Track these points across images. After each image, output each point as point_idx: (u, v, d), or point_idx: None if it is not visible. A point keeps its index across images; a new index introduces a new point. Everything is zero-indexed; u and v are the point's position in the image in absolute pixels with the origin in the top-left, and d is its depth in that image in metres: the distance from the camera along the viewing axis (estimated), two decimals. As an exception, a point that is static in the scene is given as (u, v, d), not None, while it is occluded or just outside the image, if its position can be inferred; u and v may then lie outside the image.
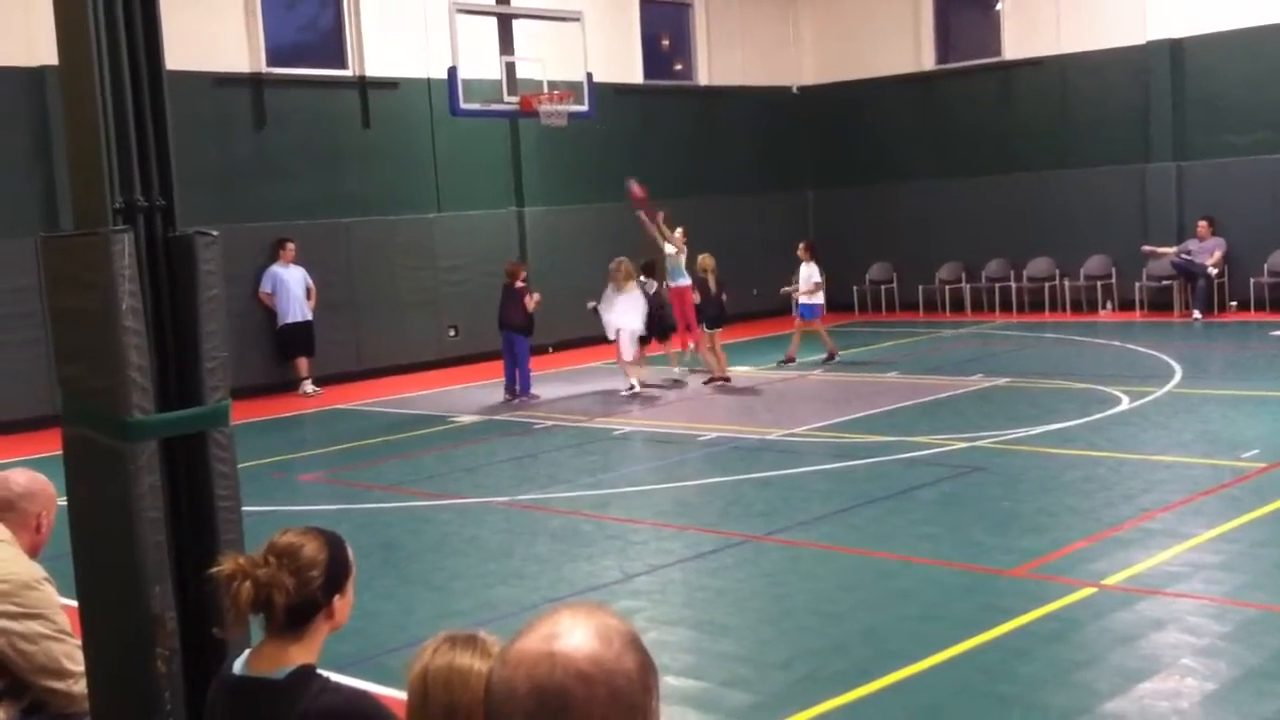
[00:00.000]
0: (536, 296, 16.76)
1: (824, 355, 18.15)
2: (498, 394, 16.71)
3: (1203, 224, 21.05)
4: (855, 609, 7.74)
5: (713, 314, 16.73)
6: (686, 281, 17.43)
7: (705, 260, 16.86)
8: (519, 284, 16.60)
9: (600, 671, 1.55)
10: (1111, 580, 7.82)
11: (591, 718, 1.55)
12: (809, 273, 18.16)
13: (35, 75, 16.07)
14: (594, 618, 1.63)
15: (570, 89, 18.18)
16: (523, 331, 16.58)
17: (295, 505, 11.13)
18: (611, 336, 16.54)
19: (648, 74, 23.71)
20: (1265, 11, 20.68)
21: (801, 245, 18.48)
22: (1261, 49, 20.75)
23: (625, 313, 16.23)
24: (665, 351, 17.84)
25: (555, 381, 17.64)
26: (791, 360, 17.90)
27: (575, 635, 1.58)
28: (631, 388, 16.36)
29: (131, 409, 3.85)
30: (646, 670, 1.61)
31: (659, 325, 17.05)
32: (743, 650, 7.12)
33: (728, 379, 16.63)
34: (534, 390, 16.53)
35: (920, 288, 24.10)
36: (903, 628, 7.33)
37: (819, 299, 18.25)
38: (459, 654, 2.89)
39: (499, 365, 16.94)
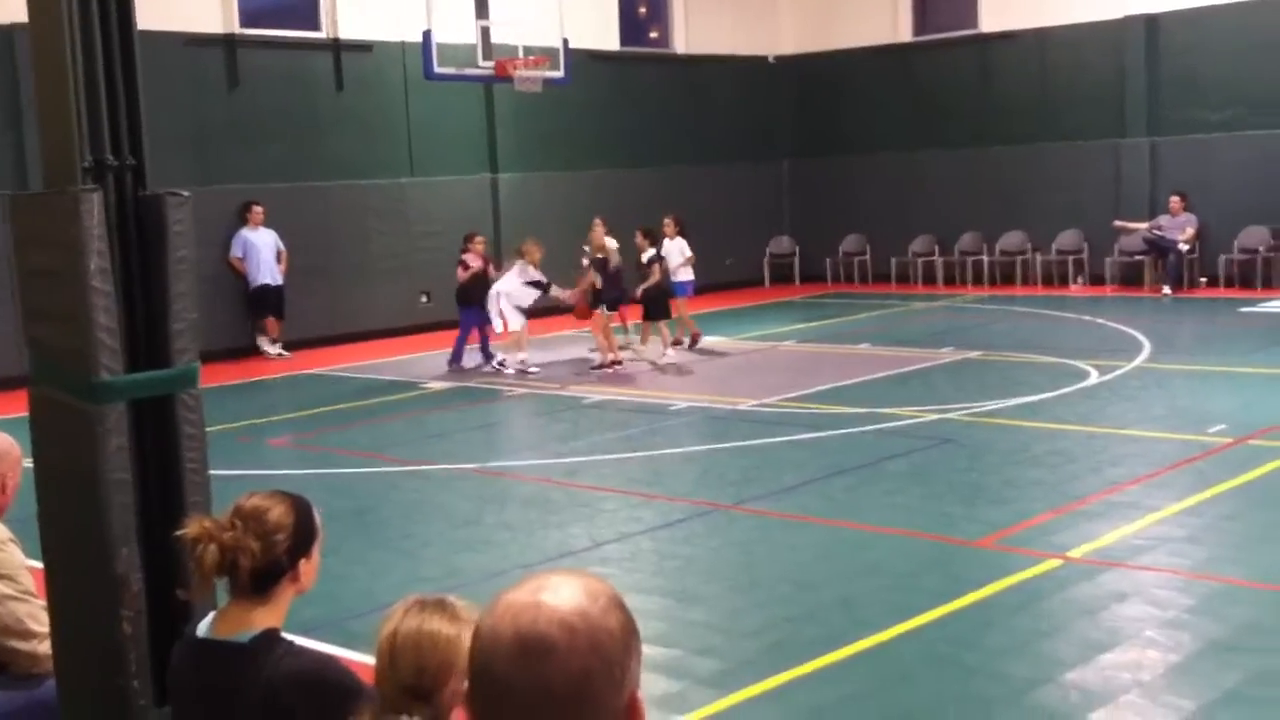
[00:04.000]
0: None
1: (687, 340, 17.45)
2: (470, 361, 16.65)
3: (1175, 200, 21.15)
4: (826, 578, 7.78)
5: (613, 296, 16.21)
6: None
7: (600, 239, 16.32)
8: (463, 254, 16.59)
9: (583, 624, 1.60)
10: (1077, 552, 7.88)
11: (571, 665, 1.59)
12: (679, 247, 17.51)
13: (4, 33, 15.89)
14: (583, 578, 1.68)
15: (546, 55, 18.08)
16: (458, 303, 16.64)
17: (263, 469, 11.10)
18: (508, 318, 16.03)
19: (624, 41, 23.60)
20: (1240, -12, 20.74)
21: (670, 219, 17.70)
22: (1236, 25, 20.80)
23: (509, 281, 16.03)
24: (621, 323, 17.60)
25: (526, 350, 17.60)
26: (698, 338, 17.45)
27: (563, 590, 1.64)
28: (503, 364, 16.03)
29: (100, 370, 3.83)
30: (629, 632, 1.66)
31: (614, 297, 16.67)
32: (713, 618, 7.15)
33: (619, 363, 16.03)
34: (464, 363, 16.55)
35: (893, 260, 24.13)
36: (872, 597, 7.37)
37: (688, 275, 17.61)
38: (428, 617, 2.90)
39: (472, 333, 16.82)
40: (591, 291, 16.16)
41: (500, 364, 16.06)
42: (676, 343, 17.01)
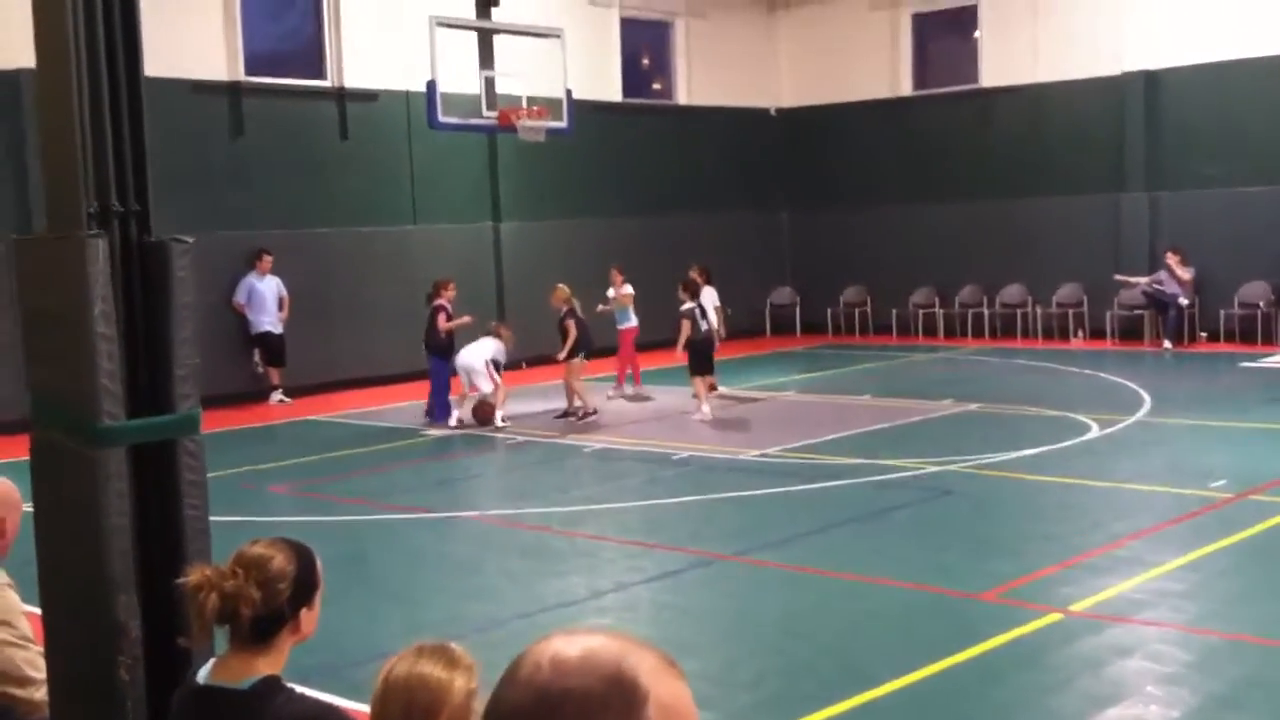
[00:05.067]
0: (464, 319, 16.36)
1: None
2: (468, 409, 16.50)
3: (1170, 255, 21.16)
4: (824, 630, 7.74)
5: (585, 347, 16.15)
6: (632, 324, 17.62)
7: (561, 297, 16.26)
8: (436, 302, 16.29)
9: (549, 670, 1.52)
10: (1079, 606, 7.85)
11: (514, 699, 1.53)
12: (710, 297, 17.18)
13: (11, 78, 15.98)
14: (608, 640, 1.58)
15: (549, 105, 18.18)
16: (434, 353, 16.25)
17: (265, 516, 11.05)
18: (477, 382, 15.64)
19: (627, 92, 23.75)
20: (1238, 46, 20.85)
21: (697, 269, 17.42)
22: (1234, 82, 20.93)
23: (479, 354, 15.62)
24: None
25: (528, 397, 17.61)
26: (714, 389, 16.76)
27: (579, 640, 1.57)
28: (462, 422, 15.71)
29: (102, 415, 3.82)
30: (606, 707, 1.52)
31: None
32: (709, 669, 7.09)
33: (592, 413, 15.92)
34: (442, 416, 16.04)
35: (894, 311, 24.17)
36: (872, 649, 7.33)
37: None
38: (424, 661, 2.91)
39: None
40: (570, 344, 16.05)
41: (460, 422, 15.70)
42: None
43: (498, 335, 15.93)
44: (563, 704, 1.51)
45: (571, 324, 16.10)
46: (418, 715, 2.85)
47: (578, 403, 15.98)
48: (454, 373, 15.98)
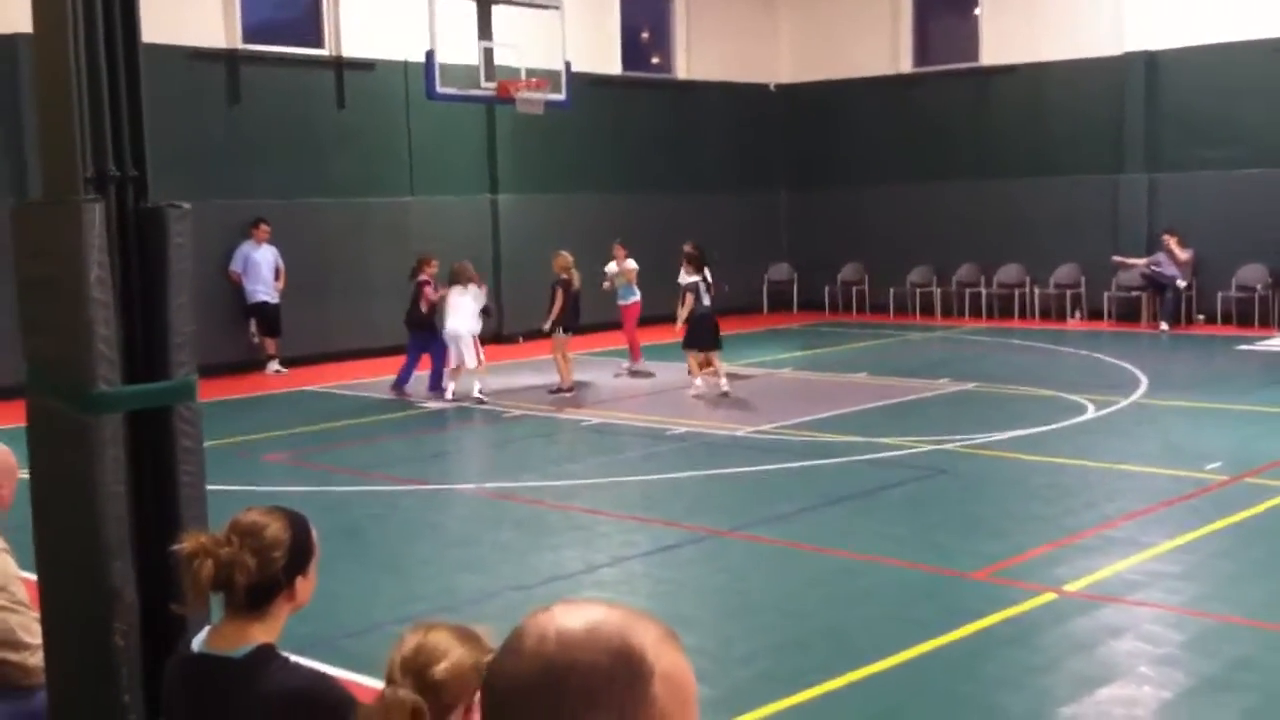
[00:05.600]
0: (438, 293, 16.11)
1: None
2: (465, 381, 16.48)
3: (1167, 238, 21.15)
4: (818, 607, 7.76)
5: (570, 320, 16.05)
6: (635, 298, 17.53)
7: (564, 262, 16.09)
8: (420, 278, 16.19)
9: (554, 642, 1.54)
10: (1072, 586, 7.86)
11: (519, 669, 1.54)
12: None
13: (8, 42, 15.90)
14: (614, 612, 1.59)
15: (547, 77, 18.13)
16: (414, 328, 16.21)
17: (260, 485, 11.05)
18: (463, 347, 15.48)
19: (626, 65, 23.68)
20: (1239, 28, 20.81)
21: (691, 245, 16.23)
22: (1235, 65, 20.88)
23: (468, 317, 15.53)
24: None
25: (523, 371, 17.61)
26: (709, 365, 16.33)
27: (581, 611, 1.58)
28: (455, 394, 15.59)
29: (97, 381, 3.81)
30: (609, 680, 1.52)
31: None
32: (704, 644, 7.10)
33: (571, 389, 15.92)
34: (408, 390, 16.05)
35: (891, 290, 24.16)
36: (865, 627, 7.35)
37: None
38: (436, 632, 2.89)
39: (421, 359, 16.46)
40: (554, 316, 15.99)
41: (453, 395, 15.59)
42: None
43: (470, 280, 15.73)
44: (568, 676, 1.52)
45: (559, 295, 16.03)
46: (423, 661, 2.84)
47: (571, 379, 15.96)
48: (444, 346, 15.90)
